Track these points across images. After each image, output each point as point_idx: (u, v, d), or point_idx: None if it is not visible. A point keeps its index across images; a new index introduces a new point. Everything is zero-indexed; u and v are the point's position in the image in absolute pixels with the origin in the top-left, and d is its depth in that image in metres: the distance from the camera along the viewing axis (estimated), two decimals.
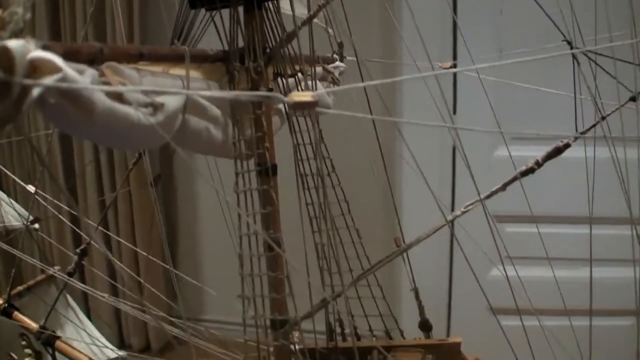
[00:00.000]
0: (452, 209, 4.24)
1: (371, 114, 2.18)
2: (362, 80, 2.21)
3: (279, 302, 1.52)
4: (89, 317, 2.74)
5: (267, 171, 1.55)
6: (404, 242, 2.17)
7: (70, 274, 2.21)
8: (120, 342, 4.84)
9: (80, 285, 2.35)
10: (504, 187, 1.55)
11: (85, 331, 2.49)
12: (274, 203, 1.50)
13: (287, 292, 1.46)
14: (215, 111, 1.50)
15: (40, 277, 2.52)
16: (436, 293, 4.12)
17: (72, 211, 2.73)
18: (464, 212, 1.57)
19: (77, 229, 2.66)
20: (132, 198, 4.46)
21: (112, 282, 3.24)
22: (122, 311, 4.82)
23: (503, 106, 2.62)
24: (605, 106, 1.64)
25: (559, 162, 3.79)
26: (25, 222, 2.37)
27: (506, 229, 3.31)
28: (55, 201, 2.49)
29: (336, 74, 2.21)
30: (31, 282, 2.50)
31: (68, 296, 2.58)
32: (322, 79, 2.15)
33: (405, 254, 2.13)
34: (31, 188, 2.40)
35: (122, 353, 2.50)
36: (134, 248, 3.66)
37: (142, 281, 3.42)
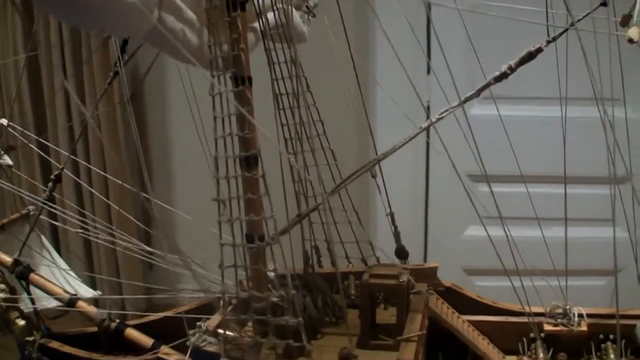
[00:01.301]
0: (427, 162, 4.20)
1: (348, 44, 2.18)
2: (339, 10, 2.21)
3: (255, 203, 1.52)
4: None
5: (242, 79, 1.55)
6: (380, 170, 2.18)
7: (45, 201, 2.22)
8: None
9: (53, 207, 2.33)
10: (478, 93, 1.56)
11: (59, 267, 2.47)
12: (249, 103, 1.50)
13: (263, 192, 1.46)
14: (191, 15, 1.50)
15: (14, 215, 2.49)
16: (412, 229, 4.10)
17: (42, 140, 2.71)
18: (439, 119, 1.57)
19: (47, 157, 2.64)
20: (100, 124, 4.38)
21: (81, 210, 3.22)
22: (97, 277, 4.78)
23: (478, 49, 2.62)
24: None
25: (537, 122, 3.76)
26: None
27: (480, 188, 3.29)
28: (27, 132, 2.47)
29: (311, 4, 2.21)
30: (5, 221, 2.46)
31: (43, 237, 2.56)
32: (297, 8, 2.15)
33: (381, 179, 2.14)
34: (4, 121, 2.37)
35: (98, 292, 2.48)
36: (105, 174, 3.65)
37: (112, 204, 3.39)
